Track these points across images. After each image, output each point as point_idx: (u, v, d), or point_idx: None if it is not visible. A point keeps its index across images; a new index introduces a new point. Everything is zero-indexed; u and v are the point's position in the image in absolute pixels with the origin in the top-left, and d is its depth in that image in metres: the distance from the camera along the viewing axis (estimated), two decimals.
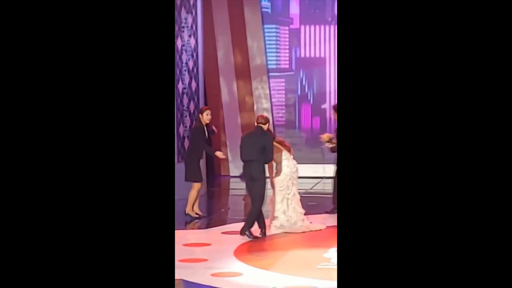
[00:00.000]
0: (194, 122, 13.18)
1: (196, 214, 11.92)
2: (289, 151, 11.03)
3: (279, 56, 16.01)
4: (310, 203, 12.36)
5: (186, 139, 13.42)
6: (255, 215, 10.42)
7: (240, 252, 9.49)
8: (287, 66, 16.04)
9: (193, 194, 11.87)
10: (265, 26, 15.78)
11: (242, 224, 10.84)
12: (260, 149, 10.34)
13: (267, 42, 15.80)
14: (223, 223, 11.54)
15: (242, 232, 10.36)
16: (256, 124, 10.66)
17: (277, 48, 15.97)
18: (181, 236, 10.32)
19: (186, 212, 11.83)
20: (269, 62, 16.00)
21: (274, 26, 15.97)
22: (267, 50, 15.81)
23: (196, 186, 11.91)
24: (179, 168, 13.06)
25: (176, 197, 13.24)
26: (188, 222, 11.68)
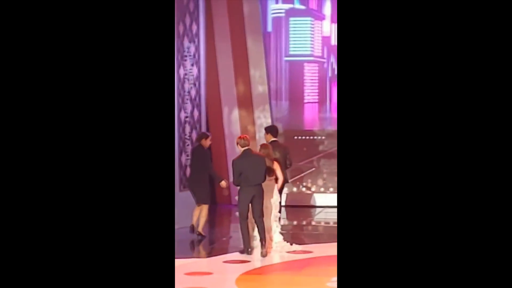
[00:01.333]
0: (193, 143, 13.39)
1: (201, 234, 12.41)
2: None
3: (312, 45, 16.16)
4: (314, 232, 12.39)
5: (187, 168, 13.42)
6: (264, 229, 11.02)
7: (242, 281, 9.44)
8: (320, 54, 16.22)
9: (206, 213, 12.37)
10: (302, 18, 16.15)
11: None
12: (260, 172, 10.90)
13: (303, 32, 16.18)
14: (225, 252, 11.50)
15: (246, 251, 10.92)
16: (241, 147, 11.09)
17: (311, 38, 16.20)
18: (183, 265, 10.28)
19: (199, 231, 12.29)
20: (304, 50, 16.27)
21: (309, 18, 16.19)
22: (303, 39, 16.13)
23: (205, 206, 12.40)
24: (181, 197, 13.07)
25: (177, 226, 13.38)
26: (198, 241, 12.20)
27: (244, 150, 11.05)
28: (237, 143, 11.17)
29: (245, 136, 11.29)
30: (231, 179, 15.71)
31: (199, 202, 12.36)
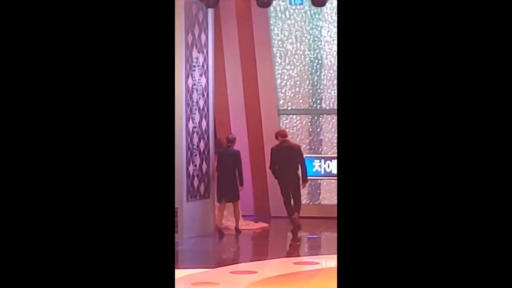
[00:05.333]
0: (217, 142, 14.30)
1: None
2: None
3: None
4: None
5: (195, 178, 13.42)
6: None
7: None
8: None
9: (239, 209, 13.77)
10: None
11: (250, 263, 11.03)
12: (292, 161, 13.53)
13: None
14: (232, 262, 11.49)
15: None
16: (281, 138, 13.67)
17: None
18: (190, 275, 10.27)
19: (237, 227, 13.67)
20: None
21: None
22: None
23: (237, 202, 13.77)
24: (188, 207, 13.06)
25: (185, 235, 13.34)
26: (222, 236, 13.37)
27: (281, 141, 13.55)
28: (275, 136, 13.75)
29: (283, 130, 14.13)
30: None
31: (232, 200, 13.50)
